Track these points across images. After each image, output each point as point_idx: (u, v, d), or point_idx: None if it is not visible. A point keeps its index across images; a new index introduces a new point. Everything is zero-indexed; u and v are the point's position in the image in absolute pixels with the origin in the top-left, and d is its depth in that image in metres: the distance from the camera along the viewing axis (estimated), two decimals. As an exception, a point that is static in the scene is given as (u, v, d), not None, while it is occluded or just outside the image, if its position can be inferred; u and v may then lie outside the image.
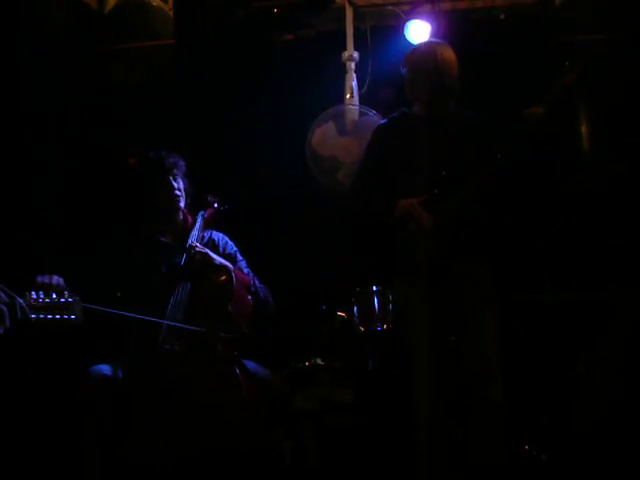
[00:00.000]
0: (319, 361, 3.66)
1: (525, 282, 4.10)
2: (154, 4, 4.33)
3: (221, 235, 3.50)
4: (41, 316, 2.42)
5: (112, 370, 3.06)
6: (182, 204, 3.39)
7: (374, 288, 3.70)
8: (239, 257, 3.46)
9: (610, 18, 4.29)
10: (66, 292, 2.52)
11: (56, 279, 2.84)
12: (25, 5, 4.00)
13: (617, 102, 4.28)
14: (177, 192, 3.36)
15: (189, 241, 3.30)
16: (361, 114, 4.30)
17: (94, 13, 4.43)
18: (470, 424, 3.11)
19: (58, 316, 2.46)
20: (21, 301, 2.36)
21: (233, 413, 2.95)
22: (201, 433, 2.87)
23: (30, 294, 2.44)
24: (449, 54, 3.34)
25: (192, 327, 3.06)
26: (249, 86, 4.60)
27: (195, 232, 3.35)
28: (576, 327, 3.79)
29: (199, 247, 3.28)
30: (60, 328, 2.48)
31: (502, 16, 4.51)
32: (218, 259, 3.29)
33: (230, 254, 3.43)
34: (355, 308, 3.70)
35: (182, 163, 3.42)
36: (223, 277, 3.23)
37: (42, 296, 2.45)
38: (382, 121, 3.65)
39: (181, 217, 3.43)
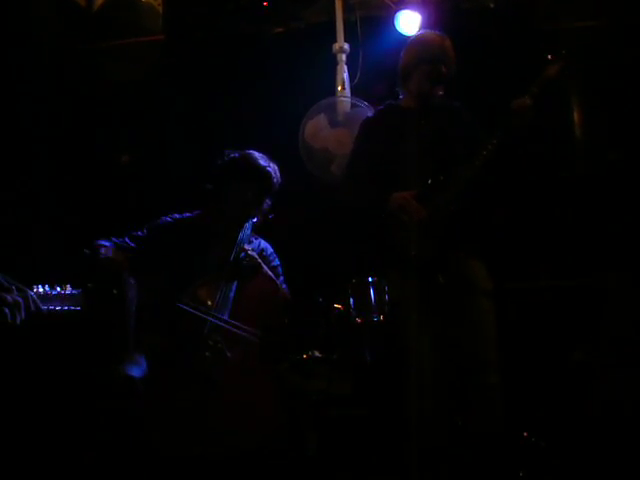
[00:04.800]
0: (317, 353, 3.66)
1: (520, 270, 4.11)
2: (142, 0, 4.32)
3: (269, 246, 3.46)
4: (51, 307, 2.51)
5: (135, 367, 3.04)
6: (244, 217, 3.31)
7: (370, 279, 3.70)
8: (280, 271, 3.43)
9: (600, 5, 4.29)
10: (69, 285, 2.58)
11: None
12: (14, 4, 3.99)
13: (608, 89, 4.28)
14: (245, 206, 3.28)
15: (240, 243, 3.24)
16: (353, 106, 4.29)
17: (82, 10, 4.41)
18: (468, 411, 3.12)
19: (66, 307, 2.55)
20: (32, 293, 2.44)
21: (259, 417, 2.96)
22: (225, 432, 2.87)
23: (37, 287, 2.52)
24: (451, 45, 3.36)
25: (243, 331, 3.06)
26: (240, 80, 4.60)
27: (244, 235, 3.29)
28: (572, 314, 3.80)
29: (250, 252, 3.24)
30: (67, 319, 2.55)
31: (492, 5, 4.51)
32: (266, 269, 3.26)
33: (274, 267, 3.39)
34: (351, 300, 3.70)
35: (274, 184, 3.31)
36: (270, 289, 3.23)
37: (48, 289, 2.54)
38: (369, 114, 3.65)
39: (236, 221, 3.34)
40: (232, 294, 3.14)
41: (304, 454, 3.20)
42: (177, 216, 3.37)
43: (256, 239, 3.42)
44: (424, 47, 3.36)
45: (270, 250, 3.45)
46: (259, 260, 3.25)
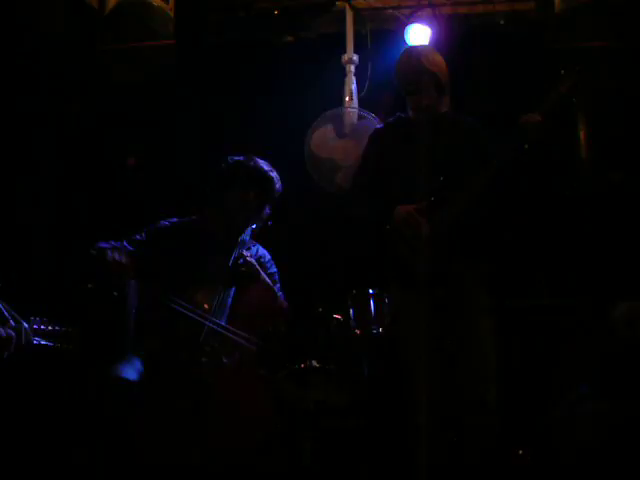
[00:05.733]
0: (314, 363, 3.65)
1: (521, 287, 4.11)
2: (155, 4, 4.31)
3: (266, 252, 3.47)
4: (42, 342, 2.56)
5: (131, 369, 3.02)
6: (243, 222, 3.32)
7: (370, 291, 3.69)
8: (277, 278, 3.43)
9: (610, 26, 4.30)
10: (65, 322, 2.66)
11: None
12: (26, 5, 4.00)
13: (616, 109, 4.29)
14: (246, 211, 3.29)
15: (238, 248, 3.25)
16: (360, 117, 4.31)
17: (95, 12, 4.42)
18: (464, 427, 3.12)
19: (58, 344, 2.60)
20: (27, 326, 2.51)
21: (253, 424, 2.96)
22: (217, 438, 2.86)
23: (35, 319, 2.56)
24: (436, 55, 3.39)
25: (239, 338, 3.06)
26: (249, 87, 4.61)
27: (243, 241, 3.30)
28: (572, 332, 3.80)
29: (249, 258, 3.24)
30: (57, 354, 2.57)
31: (502, 22, 4.52)
32: (263, 275, 3.27)
33: (271, 274, 3.40)
34: (351, 310, 3.69)
35: (277, 190, 3.34)
36: (267, 296, 3.25)
37: (46, 321, 2.59)
38: (378, 126, 3.66)
39: (236, 226, 3.35)
40: (229, 300, 3.15)
41: (299, 464, 3.19)
42: (176, 220, 3.37)
43: (254, 245, 3.42)
44: (399, 66, 3.42)
45: (268, 257, 3.45)
46: (257, 267, 3.25)
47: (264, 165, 3.33)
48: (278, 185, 3.35)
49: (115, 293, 3.25)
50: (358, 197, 3.38)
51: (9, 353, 2.42)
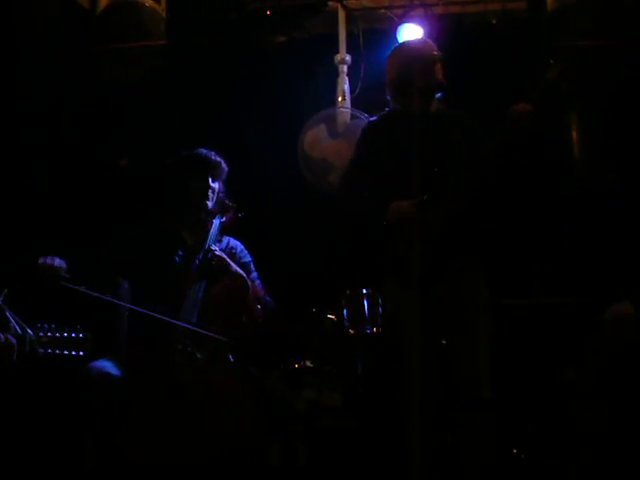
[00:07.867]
0: (308, 363, 3.66)
1: (516, 286, 4.11)
2: (146, 4, 4.31)
3: (238, 243, 3.49)
4: (49, 351, 2.49)
5: (114, 367, 3.00)
6: (210, 205, 3.38)
7: (364, 291, 3.70)
8: (252, 267, 3.45)
9: (603, 24, 4.30)
10: (78, 327, 2.57)
11: (58, 261, 2.95)
12: (18, 5, 3.99)
13: (609, 108, 4.29)
14: (210, 192, 3.36)
15: (207, 243, 3.29)
16: (353, 117, 4.31)
17: (86, 13, 4.42)
18: (459, 426, 3.11)
19: (66, 352, 2.52)
20: (31, 334, 2.43)
21: (235, 418, 2.92)
22: (201, 436, 2.84)
23: (42, 326, 2.50)
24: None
25: (209, 332, 3.05)
26: (241, 88, 4.61)
27: (212, 235, 3.33)
28: (566, 332, 3.80)
29: (218, 251, 3.27)
30: (66, 362, 2.51)
31: (494, 21, 4.53)
32: (234, 267, 3.29)
33: (245, 263, 3.42)
34: (345, 311, 3.70)
35: (225, 168, 3.44)
36: (239, 286, 3.24)
37: (54, 328, 2.52)
38: (371, 119, 3.64)
39: (203, 217, 3.40)
40: (200, 294, 3.16)
41: (293, 465, 3.18)
42: (144, 225, 3.43)
43: (225, 238, 3.45)
44: (419, 52, 3.35)
45: (240, 247, 3.48)
46: (227, 260, 3.27)
47: (206, 152, 3.42)
48: (224, 165, 3.44)
49: (108, 294, 3.24)
50: (352, 194, 3.35)
51: (10, 362, 2.35)
